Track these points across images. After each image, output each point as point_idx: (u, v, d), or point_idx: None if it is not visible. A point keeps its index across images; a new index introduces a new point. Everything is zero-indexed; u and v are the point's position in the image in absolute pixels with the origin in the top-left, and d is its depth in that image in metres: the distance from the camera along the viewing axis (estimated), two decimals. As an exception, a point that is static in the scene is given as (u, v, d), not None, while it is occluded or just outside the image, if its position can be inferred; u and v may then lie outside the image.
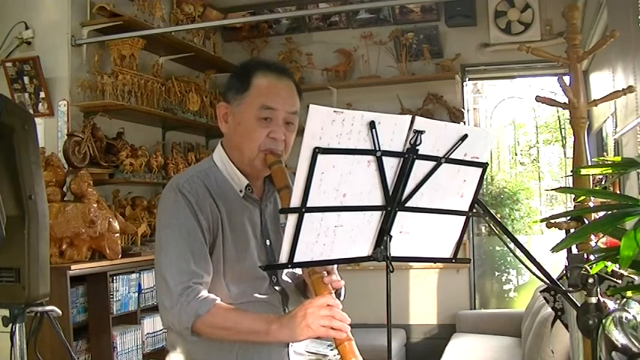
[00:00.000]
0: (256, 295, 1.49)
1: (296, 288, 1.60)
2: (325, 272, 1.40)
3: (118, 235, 3.26)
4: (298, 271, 1.62)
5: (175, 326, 1.41)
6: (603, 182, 2.63)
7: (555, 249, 1.32)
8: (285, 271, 1.57)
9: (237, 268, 1.49)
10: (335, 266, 1.52)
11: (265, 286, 1.52)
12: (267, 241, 1.56)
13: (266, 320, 1.37)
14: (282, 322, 1.34)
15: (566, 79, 1.83)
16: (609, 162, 1.59)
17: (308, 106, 1.13)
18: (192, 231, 1.43)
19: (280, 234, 1.57)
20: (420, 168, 1.26)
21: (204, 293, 1.41)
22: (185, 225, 1.43)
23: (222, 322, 1.38)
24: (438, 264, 4.23)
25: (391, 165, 1.24)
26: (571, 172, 1.93)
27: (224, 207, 1.49)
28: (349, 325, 1.31)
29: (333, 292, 1.38)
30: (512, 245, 1.35)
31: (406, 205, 1.29)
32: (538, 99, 1.90)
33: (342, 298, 1.50)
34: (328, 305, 1.30)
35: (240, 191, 1.54)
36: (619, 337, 1.28)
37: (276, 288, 1.54)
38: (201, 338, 1.41)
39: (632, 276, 1.41)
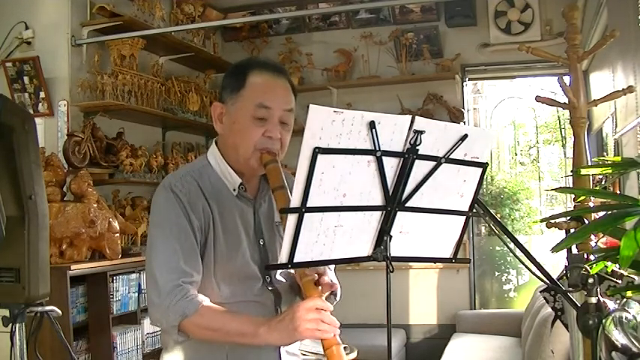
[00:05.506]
0: (248, 294, 1.48)
1: (290, 288, 1.58)
2: (316, 275, 1.39)
3: (117, 235, 3.26)
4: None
5: (162, 324, 1.40)
6: (603, 182, 2.63)
7: (555, 249, 1.33)
8: (280, 270, 1.56)
9: (228, 268, 1.47)
10: (332, 268, 1.51)
11: (258, 286, 1.50)
12: (261, 240, 1.54)
13: (255, 322, 1.35)
14: (270, 324, 1.32)
15: (566, 79, 1.83)
16: (609, 162, 1.59)
17: (308, 106, 1.13)
18: (183, 230, 1.42)
19: (274, 233, 1.57)
20: (420, 168, 1.26)
21: (194, 293, 1.39)
22: (176, 224, 1.42)
23: (210, 323, 1.37)
24: (438, 264, 4.23)
25: (391, 165, 1.24)
26: (571, 172, 1.93)
27: (216, 206, 1.48)
28: (339, 328, 1.29)
29: (323, 295, 1.37)
30: (512, 245, 1.35)
31: (406, 205, 1.28)
32: (538, 99, 1.90)
33: (337, 298, 1.48)
34: (317, 309, 1.28)
35: (234, 190, 1.53)
36: (619, 337, 1.28)
37: (270, 288, 1.52)
38: (190, 338, 1.39)
39: (632, 276, 1.41)
